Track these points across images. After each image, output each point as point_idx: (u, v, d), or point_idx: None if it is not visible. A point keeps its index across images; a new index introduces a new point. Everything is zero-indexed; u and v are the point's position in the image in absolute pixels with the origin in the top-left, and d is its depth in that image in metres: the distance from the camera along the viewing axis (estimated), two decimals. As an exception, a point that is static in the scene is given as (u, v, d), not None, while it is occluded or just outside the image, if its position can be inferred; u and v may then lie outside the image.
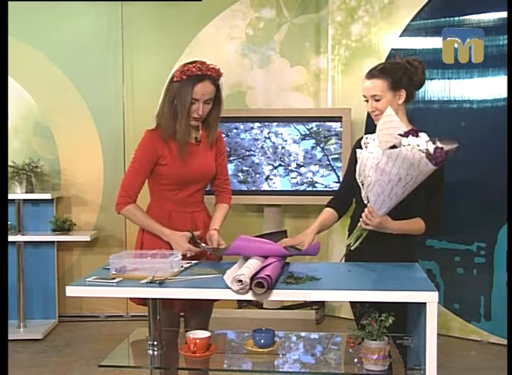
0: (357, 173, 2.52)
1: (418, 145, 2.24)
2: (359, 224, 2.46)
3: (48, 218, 4.61)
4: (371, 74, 2.56)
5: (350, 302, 2.50)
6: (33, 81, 4.82)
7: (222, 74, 2.61)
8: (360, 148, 2.56)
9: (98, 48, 4.84)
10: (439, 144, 2.26)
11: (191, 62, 2.57)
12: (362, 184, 2.50)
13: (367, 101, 2.59)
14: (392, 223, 2.44)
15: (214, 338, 2.30)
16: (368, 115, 2.70)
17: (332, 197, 2.75)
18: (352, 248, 2.47)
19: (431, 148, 2.25)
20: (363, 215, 2.43)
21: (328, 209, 2.68)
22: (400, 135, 2.29)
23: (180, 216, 2.65)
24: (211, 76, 2.56)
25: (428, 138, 2.28)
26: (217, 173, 2.77)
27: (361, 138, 2.68)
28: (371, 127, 2.74)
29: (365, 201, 2.47)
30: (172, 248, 2.53)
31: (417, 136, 2.27)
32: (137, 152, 2.65)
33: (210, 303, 2.76)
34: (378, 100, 2.53)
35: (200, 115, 2.58)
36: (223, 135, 4.47)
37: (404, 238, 2.51)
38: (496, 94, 4.11)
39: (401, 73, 2.53)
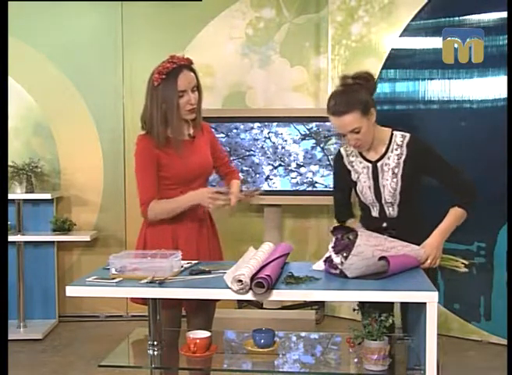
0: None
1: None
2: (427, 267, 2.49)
3: (48, 218, 4.60)
4: (339, 111, 2.44)
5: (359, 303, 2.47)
6: (33, 81, 4.82)
7: (193, 61, 2.62)
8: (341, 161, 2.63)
9: (98, 48, 4.84)
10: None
11: (162, 63, 2.58)
12: None
13: (343, 135, 2.51)
14: (441, 232, 2.58)
15: (214, 338, 2.30)
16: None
17: (337, 211, 2.78)
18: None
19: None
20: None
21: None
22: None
23: (184, 214, 2.63)
24: (186, 64, 2.59)
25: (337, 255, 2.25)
26: (217, 160, 2.81)
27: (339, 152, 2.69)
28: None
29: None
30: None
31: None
32: (139, 159, 2.64)
33: (212, 303, 2.75)
34: (357, 132, 2.46)
35: (193, 104, 2.59)
36: (223, 135, 4.51)
37: None
38: (496, 94, 4.10)
39: (363, 95, 2.46)
